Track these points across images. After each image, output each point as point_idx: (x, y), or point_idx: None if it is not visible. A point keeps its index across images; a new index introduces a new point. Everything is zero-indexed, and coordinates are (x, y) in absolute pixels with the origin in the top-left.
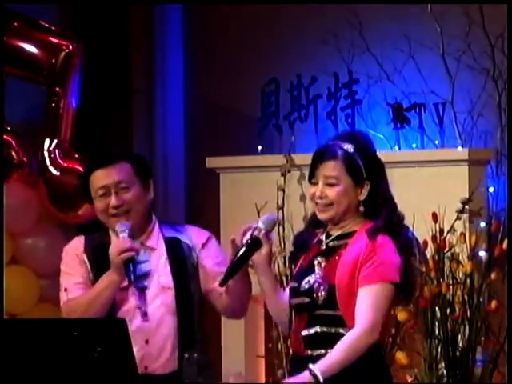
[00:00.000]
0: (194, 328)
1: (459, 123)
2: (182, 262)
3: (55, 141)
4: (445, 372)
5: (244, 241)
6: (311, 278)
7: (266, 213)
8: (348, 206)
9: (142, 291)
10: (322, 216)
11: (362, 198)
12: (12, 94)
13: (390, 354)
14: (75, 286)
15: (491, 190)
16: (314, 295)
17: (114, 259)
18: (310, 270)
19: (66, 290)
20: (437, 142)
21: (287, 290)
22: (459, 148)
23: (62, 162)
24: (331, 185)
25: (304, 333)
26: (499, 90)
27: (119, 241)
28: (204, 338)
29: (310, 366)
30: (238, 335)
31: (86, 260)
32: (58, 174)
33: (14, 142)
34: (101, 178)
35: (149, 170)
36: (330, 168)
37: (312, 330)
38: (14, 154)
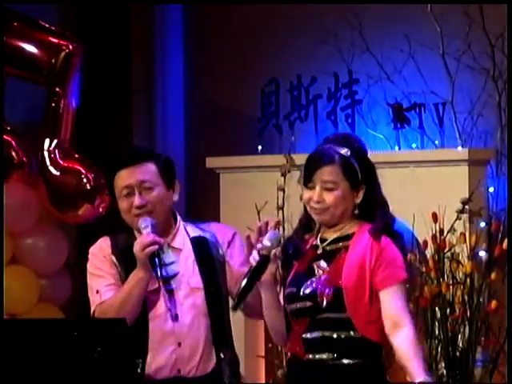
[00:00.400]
0: (225, 328)
1: (459, 123)
2: (209, 261)
3: (55, 141)
4: (445, 372)
5: (252, 261)
6: (312, 282)
7: (269, 231)
8: (345, 209)
9: (171, 293)
10: (318, 218)
11: (358, 201)
12: (12, 94)
13: (390, 354)
14: (107, 287)
15: (491, 190)
16: (318, 299)
17: (139, 255)
18: (308, 274)
19: (97, 292)
20: (437, 142)
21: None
22: (459, 148)
23: (61, 162)
24: (329, 189)
25: (305, 336)
26: (499, 89)
27: (142, 236)
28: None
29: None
30: (238, 335)
31: (115, 261)
32: (57, 174)
33: (13, 142)
34: (125, 177)
35: (173, 170)
36: (328, 173)
37: (314, 334)
38: (14, 154)
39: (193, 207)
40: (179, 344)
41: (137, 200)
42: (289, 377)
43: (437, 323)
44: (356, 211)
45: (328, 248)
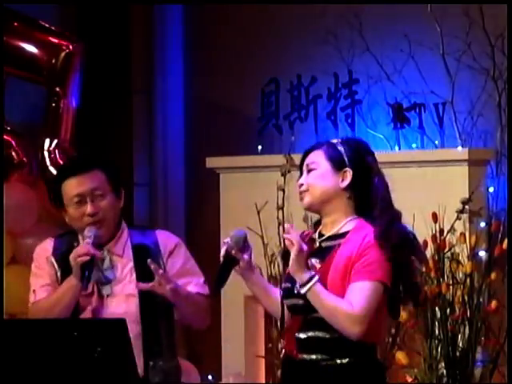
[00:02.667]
0: (159, 336)
1: (459, 123)
2: (148, 269)
3: (55, 141)
4: (445, 372)
5: (221, 258)
6: None
7: (235, 229)
8: (325, 191)
9: (106, 298)
10: (302, 204)
11: (343, 184)
12: (12, 94)
13: (390, 354)
14: (42, 288)
15: (491, 190)
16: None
17: (72, 263)
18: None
19: (34, 291)
20: (437, 142)
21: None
22: (459, 148)
23: (62, 162)
24: (310, 170)
25: (297, 335)
26: (499, 90)
27: (79, 246)
28: (175, 343)
29: (315, 278)
30: (238, 335)
31: (54, 262)
32: None
33: (13, 142)
34: (75, 185)
35: (119, 178)
36: (311, 156)
37: (306, 334)
38: (14, 154)
39: (193, 207)
40: None
41: (90, 208)
42: (283, 375)
43: (437, 323)
44: (351, 207)
45: (323, 245)
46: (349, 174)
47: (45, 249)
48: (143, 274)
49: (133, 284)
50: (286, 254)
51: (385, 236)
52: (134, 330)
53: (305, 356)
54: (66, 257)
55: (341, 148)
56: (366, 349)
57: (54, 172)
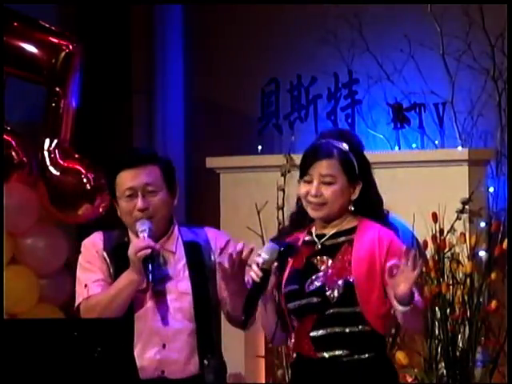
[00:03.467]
0: (211, 333)
1: (459, 123)
2: (200, 266)
3: (55, 141)
4: (445, 372)
5: (254, 277)
6: (318, 278)
7: (268, 244)
8: (342, 205)
9: (160, 295)
10: (314, 214)
11: (354, 197)
12: (12, 94)
13: (390, 354)
14: (95, 282)
15: (491, 190)
16: (328, 294)
17: (133, 258)
18: (309, 270)
19: (86, 286)
20: (437, 142)
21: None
22: (459, 148)
23: (62, 162)
24: (327, 183)
25: (313, 334)
26: (499, 90)
27: (138, 240)
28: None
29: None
30: (238, 335)
31: (106, 257)
32: (57, 174)
33: (13, 142)
34: (129, 178)
35: (175, 175)
36: (326, 166)
37: (323, 331)
38: (14, 153)
39: (193, 207)
40: (164, 346)
41: (140, 203)
42: (297, 377)
43: (437, 323)
44: (351, 207)
45: (327, 243)
46: (359, 186)
47: (95, 243)
48: (196, 271)
49: (186, 281)
50: (264, 278)
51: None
52: (187, 327)
53: (324, 354)
54: (118, 252)
55: (353, 159)
56: (381, 342)
57: (54, 172)
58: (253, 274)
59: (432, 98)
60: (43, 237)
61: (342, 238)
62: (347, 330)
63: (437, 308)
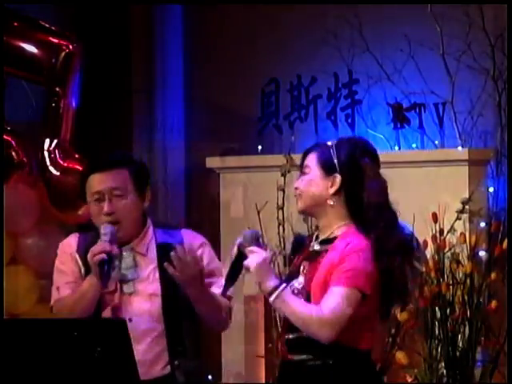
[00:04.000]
0: (182, 335)
1: (459, 123)
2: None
3: (55, 141)
4: (445, 372)
5: (231, 255)
6: (295, 283)
7: (245, 230)
8: (315, 197)
9: (128, 296)
10: (297, 208)
11: (331, 191)
12: (12, 94)
13: (390, 354)
14: (66, 285)
15: (491, 190)
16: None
17: (90, 262)
18: (294, 274)
19: (57, 288)
20: (437, 142)
21: None
22: (459, 148)
23: (62, 162)
24: (304, 174)
25: (286, 336)
26: (499, 89)
27: (96, 244)
28: (198, 343)
29: (282, 286)
30: (238, 335)
31: (78, 260)
32: (57, 174)
33: (13, 142)
34: (97, 182)
35: (147, 177)
36: (306, 159)
37: (294, 335)
38: (14, 153)
39: (193, 207)
40: None
41: (106, 207)
42: (278, 377)
43: (437, 323)
44: (330, 201)
45: (316, 248)
46: (337, 179)
47: (69, 245)
48: (166, 273)
49: (156, 283)
50: (238, 258)
51: (379, 245)
52: (157, 328)
53: (294, 357)
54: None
55: (333, 152)
56: (349, 352)
57: (54, 172)
58: (231, 252)
59: (432, 98)
60: (43, 237)
61: (324, 247)
62: (308, 335)
63: (437, 308)
